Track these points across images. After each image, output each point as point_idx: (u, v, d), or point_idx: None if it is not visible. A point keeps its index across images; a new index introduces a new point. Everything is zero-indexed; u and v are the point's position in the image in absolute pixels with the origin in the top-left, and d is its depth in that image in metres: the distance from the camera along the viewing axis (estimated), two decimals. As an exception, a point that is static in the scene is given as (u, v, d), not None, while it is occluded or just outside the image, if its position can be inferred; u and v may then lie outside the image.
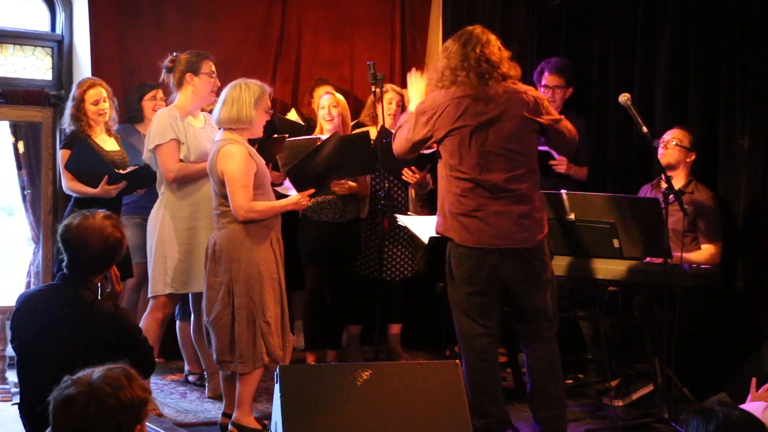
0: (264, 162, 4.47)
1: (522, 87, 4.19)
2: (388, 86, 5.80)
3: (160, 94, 5.73)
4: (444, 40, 6.96)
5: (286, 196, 4.75)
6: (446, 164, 4.14)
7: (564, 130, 4.24)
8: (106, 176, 5.01)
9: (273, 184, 4.67)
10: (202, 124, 4.90)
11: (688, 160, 5.12)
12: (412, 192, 5.83)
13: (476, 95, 4.06)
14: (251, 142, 4.49)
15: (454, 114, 4.06)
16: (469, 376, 4.12)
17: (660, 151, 5.09)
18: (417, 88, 4.44)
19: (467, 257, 4.10)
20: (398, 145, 4.28)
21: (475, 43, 4.12)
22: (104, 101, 5.20)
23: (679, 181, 5.09)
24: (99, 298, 3.30)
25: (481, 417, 4.09)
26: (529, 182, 4.13)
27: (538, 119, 4.14)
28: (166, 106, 5.61)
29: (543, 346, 4.18)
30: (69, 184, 5.16)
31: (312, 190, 4.58)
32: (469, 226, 4.08)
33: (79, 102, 5.15)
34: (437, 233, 4.27)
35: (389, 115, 5.69)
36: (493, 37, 4.17)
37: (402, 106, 5.79)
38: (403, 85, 6.79)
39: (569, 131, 4.27)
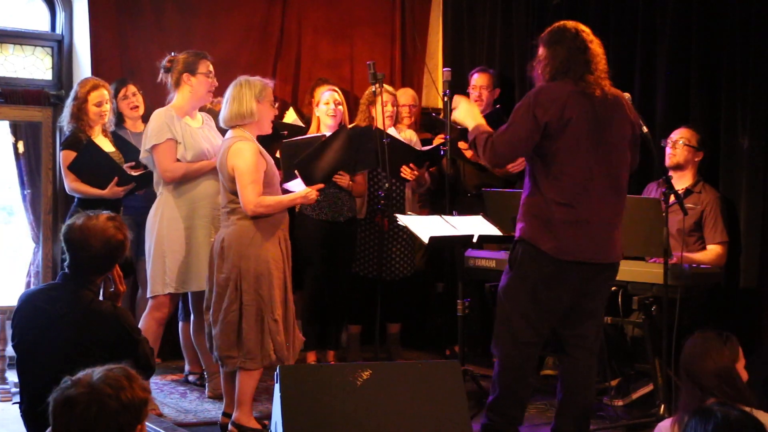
0: (273, 161, 4.48)
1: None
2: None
3: (131, 89, 5.65)
4: (444, 40, 6.97)
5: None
6: (548, 166, 3.86)
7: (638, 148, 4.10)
8: (116, 177, 5.01)
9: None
10: (199, 124, 4.89)
11: (696, 159, 5.10)
12: (408, 192, 5.82)
13: (592, 91, 3.85)
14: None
15: (574, 108, 3.82)
16: (502, 378, 4.01)
17: (668, 150, 5.08)
18: (466, 110, 4.13)
19: (554, 263, 3.87)
20: (503, 148, 3.86)
21: (590, 41, 3.93)
22: (106, 103, 5.22)
23: (687, 180, 5.08)
24: (101, 298, 3.30)
25: (498, 416, 4.03)
26: (626, 193, 4.01)
27: (637, 128, 4.02)
28: (141, 97, 5.61)
29: (588, 357, 4.07)
30: (72, 185, 5.16)
31: (321, 185, 4.59)
32: (568, 237, 3.84)
33: (82, 102, 5.16)
34: (521, 239, 3.91)
35: (388, 117, 5.63)
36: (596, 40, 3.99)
37: (397, 107, 5.78)
38: (404, 84, 6.83)
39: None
